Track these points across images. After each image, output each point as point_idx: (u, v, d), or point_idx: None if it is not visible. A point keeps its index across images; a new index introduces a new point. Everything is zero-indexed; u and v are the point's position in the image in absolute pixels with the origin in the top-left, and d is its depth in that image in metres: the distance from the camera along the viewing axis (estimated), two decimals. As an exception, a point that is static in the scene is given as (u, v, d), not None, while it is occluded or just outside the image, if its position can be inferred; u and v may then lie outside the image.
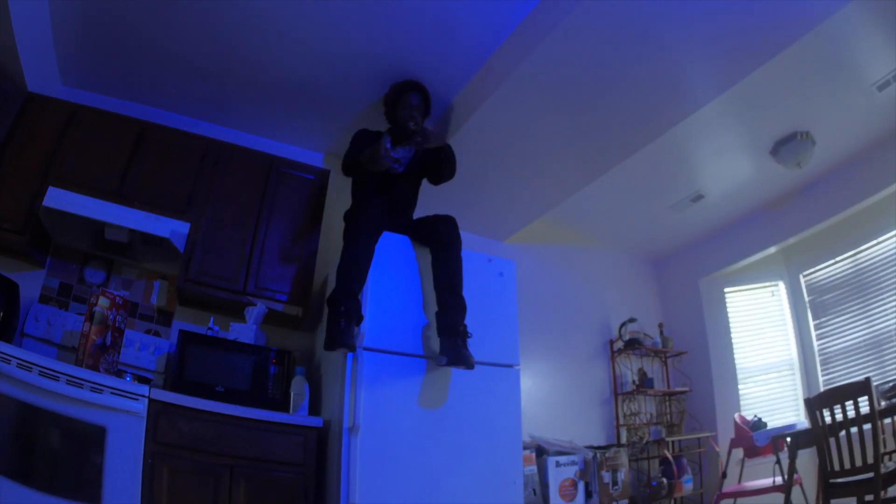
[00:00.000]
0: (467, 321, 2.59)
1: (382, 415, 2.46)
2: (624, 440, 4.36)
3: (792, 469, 3.28)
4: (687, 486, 4.22)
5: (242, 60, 3.12)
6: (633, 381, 4.59)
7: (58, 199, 2.61)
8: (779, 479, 3.57)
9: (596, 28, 2.60)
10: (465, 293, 2.65)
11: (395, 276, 2.71)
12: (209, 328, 2.89)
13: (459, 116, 3.33)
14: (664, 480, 4.10)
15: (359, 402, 2.42)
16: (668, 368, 4.89)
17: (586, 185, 3.87)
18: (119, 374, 2.61)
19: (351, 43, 2.98)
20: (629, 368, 4.68)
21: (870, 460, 2.68)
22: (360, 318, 2.43)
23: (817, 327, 4.59)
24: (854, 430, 2.76)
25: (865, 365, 4.18)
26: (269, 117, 3.57)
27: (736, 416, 4.18)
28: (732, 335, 4.83)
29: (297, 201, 3.25)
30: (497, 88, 2.98)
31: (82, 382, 2.23)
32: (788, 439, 3.42)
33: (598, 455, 3.73)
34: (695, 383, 4.69)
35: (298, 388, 2.79)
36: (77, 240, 2.94)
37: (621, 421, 4.45)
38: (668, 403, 4.73)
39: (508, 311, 2.96)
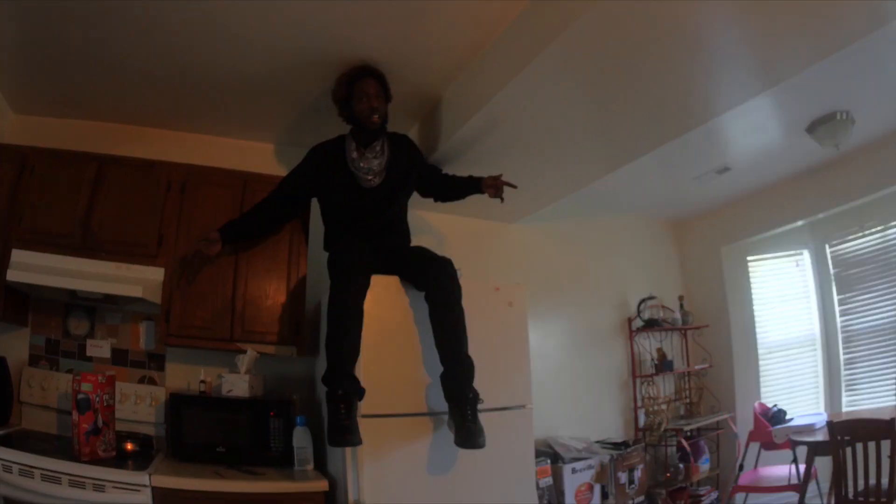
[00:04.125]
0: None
1: (389, 480, 2.33)
2: (643, 423, 4.28)
3: (808, 472, 3.23)
4: (704, 466, 4.20)
5: (195, 63, 2.71)
6: (653, 361, 4.45)
7: (21, 267, 2.42)
8: (795, 475, 3.51)
9: (631, 17, 2.17)
10: (471, 330, 2.41)
11: (387, 328, 2.46)
12: (201, 381, 2.75)
13: (473, 103, 2.90)
14: (680, 466, 4.07)
15: (363, 474, 2.29)
16: (687, 342, 4.74)
17: (606, 174, 3.54)
18: (120, 440, 2.53)
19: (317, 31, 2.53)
20: (648, 348, 4.52)
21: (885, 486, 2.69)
22: (361, 393, 2.24)
23: (841, 302, 4.37)
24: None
25: (888, 348, 3.99)
26: (234, 117, 3.20)
27: (756, 404, 4.08)
28: (755, 308, 4.63)
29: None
30: (516, 74, 2.48)
31: (84, 481, 2.18)
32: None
33: (615, 456, 3.66)
34: (715, 359, 4.56)
35: (301, 441, 2.66)
36: (53, 294, 2.74)
37: (639, 403, 4.36)
38: (687, 379, 4.63)
39: (519, 344, 2.76)
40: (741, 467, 3.94)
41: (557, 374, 4.09)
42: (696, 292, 4.82)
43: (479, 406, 2.31)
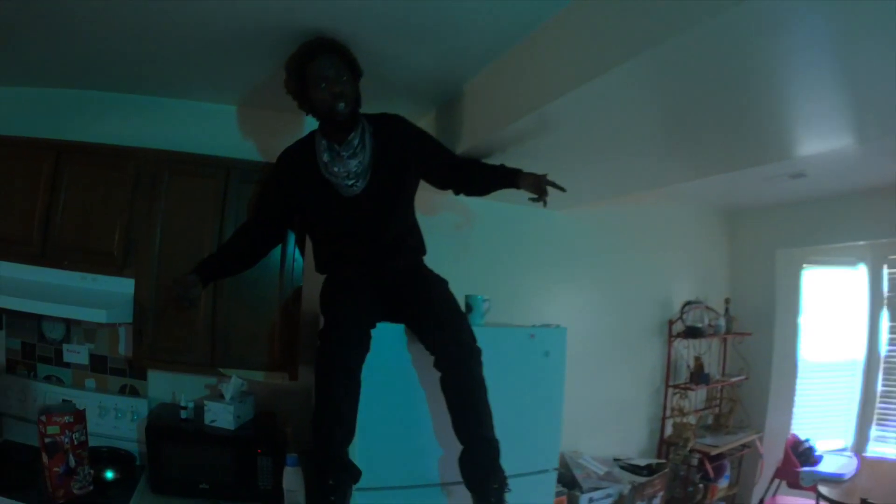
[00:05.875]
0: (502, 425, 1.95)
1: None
2: (669, 432, 3.99)
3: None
4: (723, 484, 3.97)
5: (157, 22, 2.07)
6: (688, 367, 4.09)
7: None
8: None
9: (726, 50, 1.63)
10: (498, 387, 1.96)
11: (385, 385, 2.03)
12: (183, 407, 2.43)
13: (519, 104, 2.30)
14: (700, 486, 3.83)
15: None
16: (726, 349, 4.36)
17: (666, 186, 3.04)
18: (99, 461, 2.28)
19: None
20: (685, 355, 4.14)
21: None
22: (357, 476, 1.85)
23: (892, 330, 3.96)
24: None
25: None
26: (202, 77, 2.60)
27: (789, 437, 3.76)
28: (802, 322, 4.21)
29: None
30: (585, 82, 1.90)
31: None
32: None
33: (636, 484, 3.39)
34: (753, 371, 4.18)
35: (292, 484, 2.30)
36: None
37: (668, 413, 4.04)
38: (720, 389, 4.29)
39: (552, 398, 2.35)
40: (761, 502, 3.69)
41: (585, 377, 3.69)
42: (742, 295, 4.35)
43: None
